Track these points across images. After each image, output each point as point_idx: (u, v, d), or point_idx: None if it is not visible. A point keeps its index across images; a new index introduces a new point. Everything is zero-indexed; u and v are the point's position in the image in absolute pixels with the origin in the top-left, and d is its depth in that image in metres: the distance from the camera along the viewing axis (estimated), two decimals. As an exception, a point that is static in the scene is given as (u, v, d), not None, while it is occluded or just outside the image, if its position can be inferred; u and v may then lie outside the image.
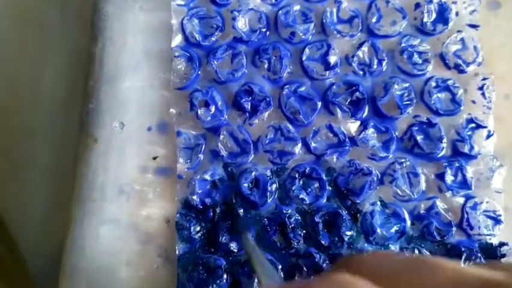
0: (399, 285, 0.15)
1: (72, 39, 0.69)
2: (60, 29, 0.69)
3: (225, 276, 0.28)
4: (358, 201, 0.29)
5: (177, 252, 0.28)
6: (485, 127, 0.29)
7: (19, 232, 0.66)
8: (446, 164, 0.29)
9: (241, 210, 0.29)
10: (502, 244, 0.28)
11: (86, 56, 0.33)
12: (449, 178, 0.29)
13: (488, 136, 0.29)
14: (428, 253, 0.28)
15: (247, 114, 0.30)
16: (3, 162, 0.68)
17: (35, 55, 0.69)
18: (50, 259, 0.66)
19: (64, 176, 0.67)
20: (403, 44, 0.30)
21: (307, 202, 0.29)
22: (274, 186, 0.29)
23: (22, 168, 0.68)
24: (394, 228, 0.28)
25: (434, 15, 0.30)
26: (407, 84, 0.30)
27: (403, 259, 0.18)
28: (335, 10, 0.31)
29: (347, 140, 0.29)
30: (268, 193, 0.29)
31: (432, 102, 0.29)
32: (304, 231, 0.29)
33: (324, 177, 0.29)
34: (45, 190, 0.67)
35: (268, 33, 0.31)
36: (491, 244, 0.28)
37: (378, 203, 0.29)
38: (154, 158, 0.30)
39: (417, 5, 0.31)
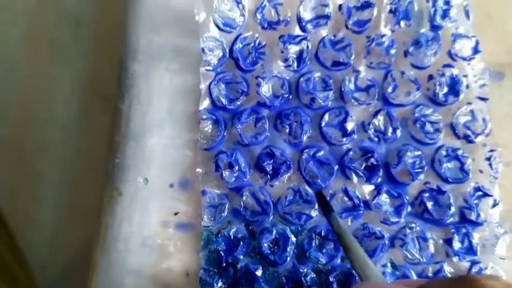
0: None
1: (85, 57, 0.71)
2: (74, 46, 0.71)
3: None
4: (370, 262, 0.31)
5: (200, 306, 0.30)
6: (491, 196, 0.31)
7: (28, 245, 0.68)
8: (453, 230, 0.31)
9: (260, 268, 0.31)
10: (504, 308, 0.30)
11: (113, 111, 0.35)
12: (456, 244, 0.31)
13: (494, 205, 0.31)
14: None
15: (269, 176, 0.32)
16: (15, 175, 0.70)
17: (48, 72, 0.71)
18: (59, 273, 0.68)
19: (73, 191, 0.69)
20: (416, 114, 0.32)
21: (323, 262, 0.31)
22: (292, 246, 0.31)
23: (33, 182, 0.69)
24: (403, 291, 0.30)
25: (446, 88, 0.32)
26: (419, 152, 0.32)
27: None
28: (353, 79, 0.33)
29: (361, 204, 0.31)
30: (287, 252, 0.31)
31: (443, 170, 0.31)
32: (319, 290, 0.30)
33: (339, 239, 0.31)
34: (55, 204, 0.69)
35: (290, 97, 0.33)
36: (494, 308, 0.30)
37: (389, 265, 0.31)
38: (176, 214, 0.32)
39: (431, 77, 0.33)
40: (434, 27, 0.33)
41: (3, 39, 0.71)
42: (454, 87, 0.32)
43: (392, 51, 0.33)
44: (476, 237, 0.31)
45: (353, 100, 0.32)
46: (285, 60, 0.33)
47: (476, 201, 0.31)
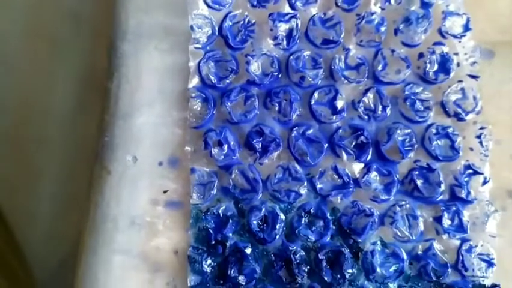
0: None
1: (84, 54, 0.71)
2: (74, 43, 0.71)
3: (232, 308, 0.30)
4: (360, 240, 0.30)
5: (189, 283, 0.30)
6: (482, 174, 0.31)
7: (27, 240, 0.68)
8: (443, 207, 0.31)
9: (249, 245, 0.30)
10: (494, 286, 0.30)
11: (103, 91, 0.35)
12: (446, 221, 0.30)
13: (484, 182, 0.31)
14: (424, 292, 0.30)
15: (258, 154, 0.31)
16: (14, 171, 0.70)
17: (47, 68, 0.71)
18: (57, 267, 0.68)
19: (71, 186, 0.69)
20: (406, 92, 0.32)
21: (312, 240, 0.31)
22: (282, 223, 0.31)
23: (32, 178, 0.69)
24: (393, 268, 0.30)
25: (436, 65, 0.32)
26: (409, 130, 0.31)
27: None
28: (343, 57, 0.33)
29: (351, 182, 0.31)
30: (276, 230, 0.30)
31: (433, 148, 0.31)
32: (308, 267, 0.30)
33: (329, 217, 0.31)
34: (53, 199, 0.69)
35: (280, 75, 0.33)
36: (484, 285, 0.30)
37: (379, 242, 0.31)
38: (165, 192, 0.32)
39: (421, 55, 0.32)
40: (425, 5, 0.33)
41: (2, 37, 0.71)
42: (445, 65, 0.32)
43: (382, 29, 0.32)
44: (466, 215, 0.31)
45: (342, 78, 0.32)
46: (275, 38, 0.33)
47: (466, 179, 0.31)
